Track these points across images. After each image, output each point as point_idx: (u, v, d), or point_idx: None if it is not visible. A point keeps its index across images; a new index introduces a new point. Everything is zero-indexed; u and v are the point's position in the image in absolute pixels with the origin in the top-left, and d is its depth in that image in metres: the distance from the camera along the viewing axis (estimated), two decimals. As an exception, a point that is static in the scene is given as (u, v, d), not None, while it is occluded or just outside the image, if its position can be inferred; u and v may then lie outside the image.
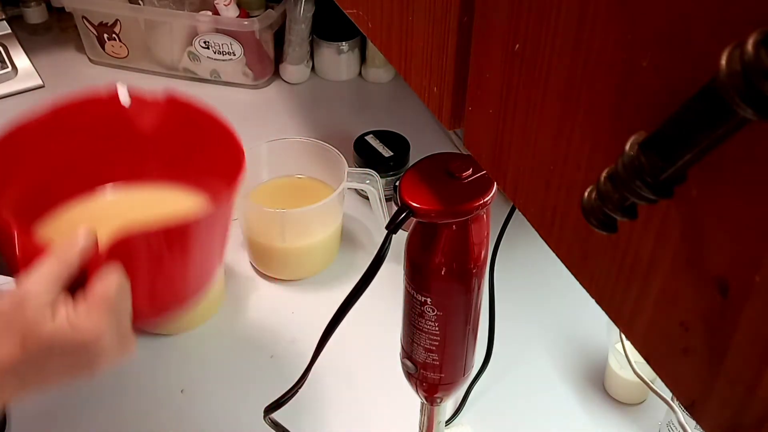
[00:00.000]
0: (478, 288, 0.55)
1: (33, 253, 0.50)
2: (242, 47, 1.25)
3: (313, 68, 1.34)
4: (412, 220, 0.52)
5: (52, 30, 1.43)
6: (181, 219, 0.53)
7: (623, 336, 0.64)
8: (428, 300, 0.54)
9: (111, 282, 0.50)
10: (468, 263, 0.53)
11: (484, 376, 0.79)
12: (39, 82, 1.29)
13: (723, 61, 0.19)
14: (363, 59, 1.33)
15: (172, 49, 1.29)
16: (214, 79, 1.30)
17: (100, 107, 0.64)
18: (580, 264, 0.32)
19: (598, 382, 0.82)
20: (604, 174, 0.25)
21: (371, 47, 1.30)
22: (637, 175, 0.23)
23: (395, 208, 0.51)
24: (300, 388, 0.56)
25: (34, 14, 1.41)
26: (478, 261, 0.53)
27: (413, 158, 1.05)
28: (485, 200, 0.50)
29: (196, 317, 0.88)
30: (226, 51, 1.26)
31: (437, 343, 0.57)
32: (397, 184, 0.91)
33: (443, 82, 0.42)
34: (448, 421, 0.78)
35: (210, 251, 0.59)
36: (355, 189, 1.05)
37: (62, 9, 1.35)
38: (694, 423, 0.66)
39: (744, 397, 0.24)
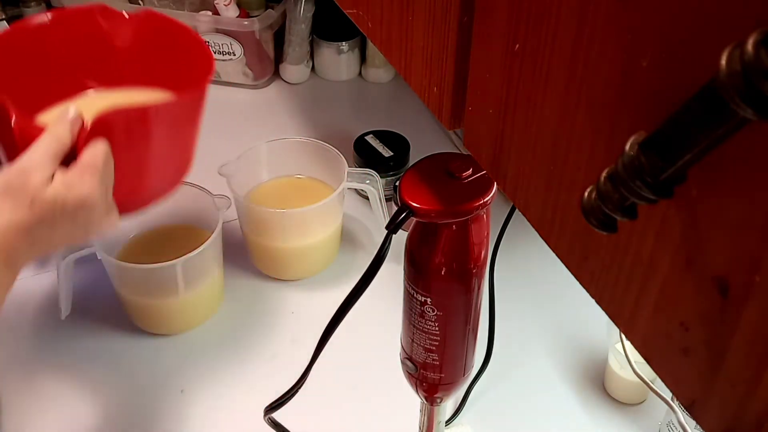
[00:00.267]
0: (478, 288, 0.55)
1: (30, 134, 0.57)
2: (242, 47, 1.25)
3: (313, 68, 1.34)
4: (412, 220, 0.52)
5: (52, 30, 1.43)
6: (156, 101, 0.63)
7: (623, 336, 0.64)
8: (428, 300, 0.54)
9: (98, 151, 0.57)
10: (468, 263, 0.53)
11: (484, 376, 0.79)
12: (39, 81, 1.30)
13: (723, 61, 0.19)
14: (363, 59, 1.33)
15: (172, 49, 1.29)
16: (214, 79, 1.30)
17: (84, 20, 0.74)
18: (580, 264, 0.32)
19: (598, 382, 0.82)
20: (604, 174, 0.25)
21: (371, 47, 1.30)
22: (637, 175, 0.23)
23: (395, 208, 0.51)
24: (300, 388, 0.56)
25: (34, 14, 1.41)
26: (478, 261, 0.53)
27: (413, 158, 1.05)
28: (485, 200, 0.50)
29: (196, 317, 0.88)
30: (226, 51, 1.26)
31: (437, 343, 0.57)
32: (397, 184, 0.91)
33: (443, 82, 0.42)
34: (448, 421, 0.78)
35: (183, 137, 0.68)
36: (355, 189, 1.05)
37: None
38: (694, 423, 0.66)
39: (744, 397, 0.24)
